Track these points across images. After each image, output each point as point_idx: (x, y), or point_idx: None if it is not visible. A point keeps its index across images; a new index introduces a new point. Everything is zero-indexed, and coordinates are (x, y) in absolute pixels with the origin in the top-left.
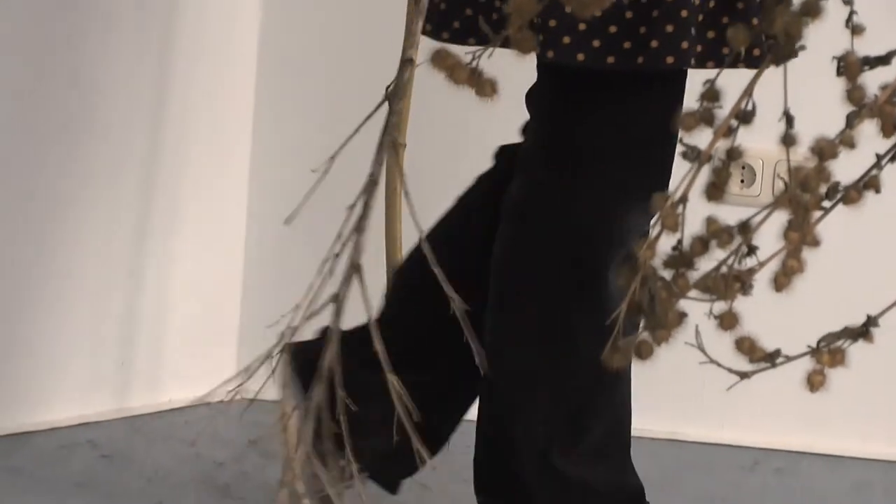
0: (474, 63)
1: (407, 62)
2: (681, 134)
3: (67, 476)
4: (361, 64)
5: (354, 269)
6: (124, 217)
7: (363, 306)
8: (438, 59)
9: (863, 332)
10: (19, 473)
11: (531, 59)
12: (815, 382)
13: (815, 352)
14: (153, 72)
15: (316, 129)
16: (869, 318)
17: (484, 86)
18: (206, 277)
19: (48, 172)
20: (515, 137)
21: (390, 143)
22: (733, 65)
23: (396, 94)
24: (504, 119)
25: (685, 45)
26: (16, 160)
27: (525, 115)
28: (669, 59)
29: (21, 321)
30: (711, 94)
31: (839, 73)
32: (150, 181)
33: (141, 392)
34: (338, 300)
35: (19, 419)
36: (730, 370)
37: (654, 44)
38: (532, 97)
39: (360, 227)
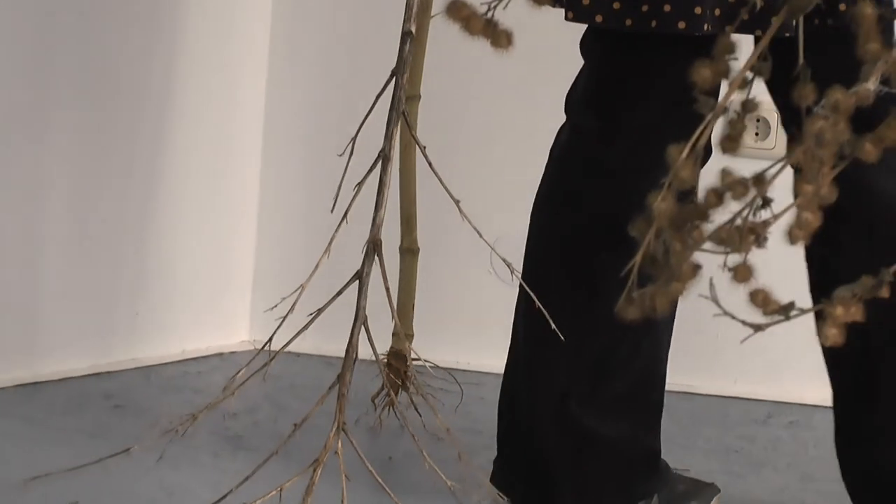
0: (489, 14)
1: (406, 34)
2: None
3: (81, 426)
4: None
5: (375, 246)
6: (137, 166)
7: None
8: (454, 11)
9: (877, 285)
10: (33, 423)
11: (547, 11)
12: (829, 336)
13: (829, 304)
14: (169, 4)
15: (332, 79)
16: (883, 271)
17: (499, 37)
18: (219, 227)
19: (62, 119)
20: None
21: (401, 116)
22: (751, 30)
23: (400, 69)
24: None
25: (698, 10)
26: (27, 104)
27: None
28: (681, 24)
29: (35, 271)
30: (726, 46)
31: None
32: (163, 128)
33: (154, 342)
34: (361, 277)
35: (33, 369)
36: (744, 323)
37: (666, 8)
38: (582, 46)
39: (378, 203)
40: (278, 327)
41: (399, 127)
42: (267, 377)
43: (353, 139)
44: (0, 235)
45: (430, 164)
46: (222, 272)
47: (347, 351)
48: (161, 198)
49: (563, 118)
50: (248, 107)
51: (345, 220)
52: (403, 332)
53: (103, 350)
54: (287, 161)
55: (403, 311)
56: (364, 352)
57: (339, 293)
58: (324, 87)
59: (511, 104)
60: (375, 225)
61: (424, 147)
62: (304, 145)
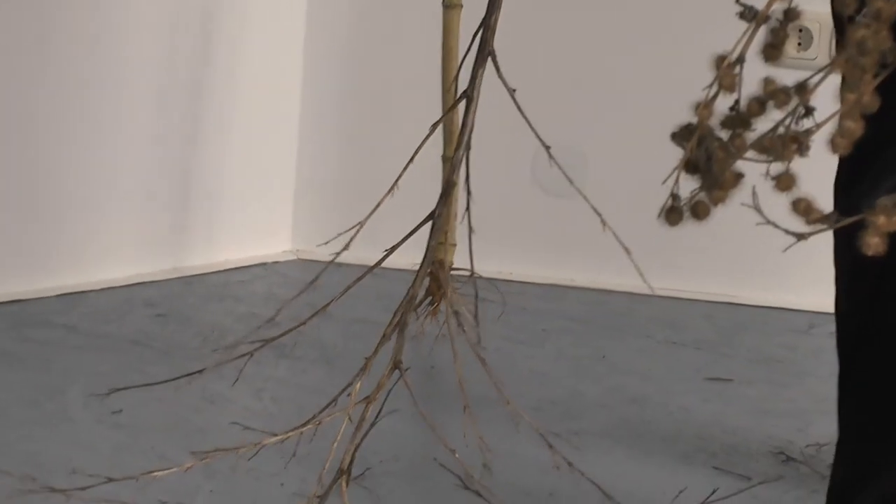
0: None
1: None
2: None
3: (124, 334)
4: None
5: (450, 187)
6: (181, 76)
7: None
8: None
9: None
10: (76, 331)
11: None
12: (870, 245)
13: (871, 212)
14: None
15: None
16: None
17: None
18: (261, 138)
19: (101, 29)
20: None
21: (488, 58)
22: None
23: (492, 9)
24: None
25: None
26: (70, 20)
27: None
28: None
29: (78, 180)
30: None
31: None
32: (206, 40)
33: (197, 251)
34: (434, 218)
35: (76, 278)
36: (786, 231)
37: None
38: None
39: (459, 143)
40: (351, 238)
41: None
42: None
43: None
44: (49, 144)
45: (518, 108)
46: (264, 182)
47: (405, 309)
48: (204, 110)
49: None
50: (291, 18)
51: (412, 162)
52: (447, 241)
53: (146, 259)
54: (329, 73)
55: (446, 220)
56: (406, 261)
57: (412, 233)
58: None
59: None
60: (451, 165)
61: (514, 90)
62: (347, 56)
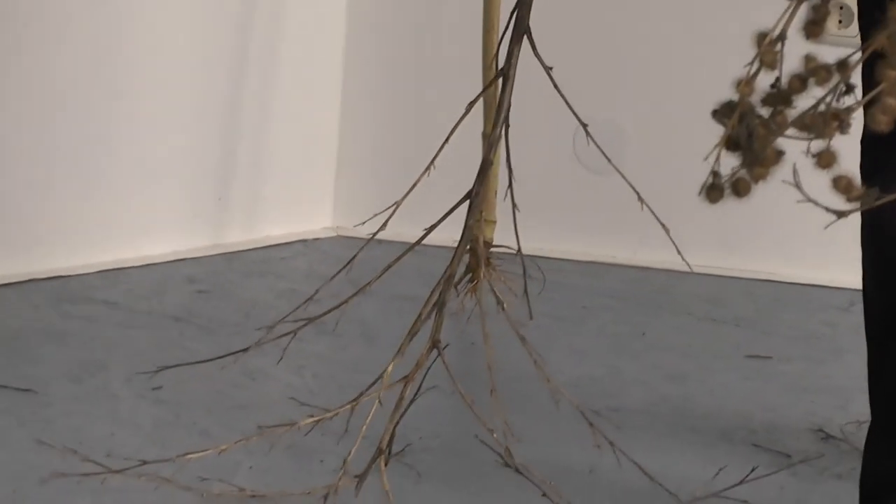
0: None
1: None
2: None
3: (164, 310)
4: None
5: (486, 165)
6: (223, 52)
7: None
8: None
9: None
10: (117, 308)
11: None
12: (878, 121)
13: (884, 92)
14: None
15: None
16: None
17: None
18: (303, 114)
19: (143, 5)
20: None
21: (523, 36)
22: None
23: None
24: None
25: None
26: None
27: None
28: None
29: (118, 157)
30: None
31: None
32: (247, 14)
33: (238, 227)
34: (471, 197)
35: (117, 254)
36: (827, 209)
37: None
38: None
39: (497, 121)
40: (388, 219)
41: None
42: (350, 263)
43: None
44: (84, 122)
45: (555, 85)
46: (306, 158)
47: (443, 288)
48: (246, 84)
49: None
50: None
51: (448, 141)
52: (486, 218)
53: (186, 235)
54: (371, 49)
55: (486, 197)
56: (446, 237)
57: (449, 213)
58: None
59: None
60: (488, 144)
61: (551, 68)
62: (389, 33)
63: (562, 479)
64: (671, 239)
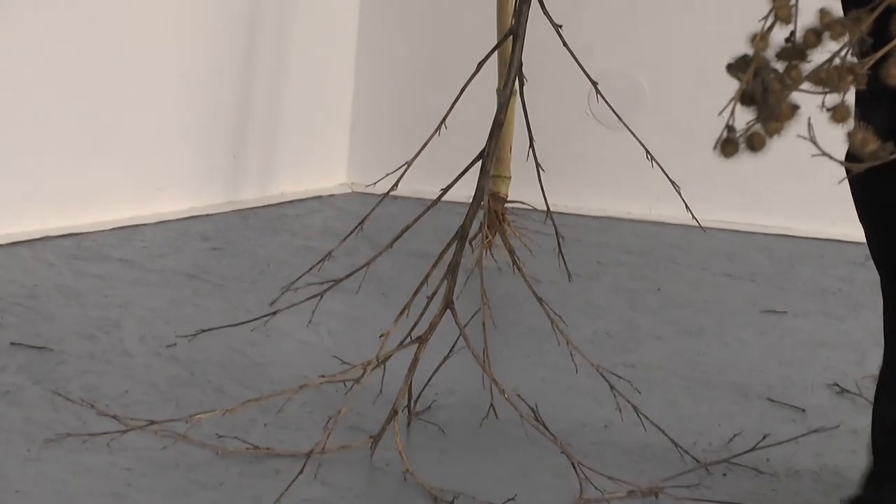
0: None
1: None
2: None
3: (179, 268)
4: None
5: (497, 126)
6: (239, 9)
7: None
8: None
9: None
10: (132, 265)
11: None
12: (892, 75)
13: None
14: None
15: None
16: None
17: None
18: (318, 70)
19: None
20: None
21: None
22: None
23: None
24: None
25: None
26: None
27: None
28: None
29: (132, 114)
30: None
31: None
32: None
33: (253, 185)
34: (484, 157)
35: (130, 211)
36: (842, 163)
37: None
38: None
39: (506, 82)
40: (400, 177)
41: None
42: (362, 223)
43: None
44: (99, 79)
45: (564, 43)
46: (321, 115)
47: (457, 249)
48: (260, 42)
49: None
50: None
51: (459, 99)
52: (501, 174)
53: (201, 193)
54: (386, 6)
55: (501, 153)
56: (461, 194)
57: (463, 173)
58: None
59: None
60: (499, 104)
61: (561, 26)
62: None
63: (577, 434)
64: (682, 198)
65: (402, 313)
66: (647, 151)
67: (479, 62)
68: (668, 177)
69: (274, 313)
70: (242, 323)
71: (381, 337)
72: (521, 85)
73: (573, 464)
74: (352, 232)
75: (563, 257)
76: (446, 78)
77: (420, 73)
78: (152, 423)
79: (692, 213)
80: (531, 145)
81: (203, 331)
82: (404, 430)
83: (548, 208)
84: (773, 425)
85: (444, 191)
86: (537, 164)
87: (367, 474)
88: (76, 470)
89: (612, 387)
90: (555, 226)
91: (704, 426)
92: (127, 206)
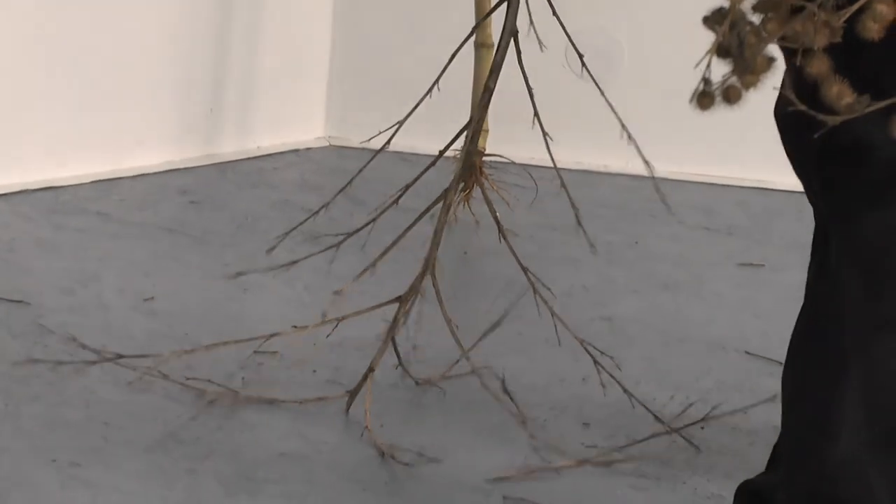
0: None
1: None
2: None
3: (158, 221)
4: None
5: (488, 93)
6: None
7: None
8: None
9: None
10: (110, 219)
11: None
12: (868, 28)
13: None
14: None
15: None
16: None
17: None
18: (295, 24)
19: None
20: None
21: None
22: None
23: None
24: None
25: None
26: None
27: None
28: None
29: (110, 68)
30: None
31: None
32: None
33: (230, 138)
34: (471, 124)
35: (109, 165)
36: (818, 116)
37: None
38: None
39: (504, 48)
40: (392, 136)
41: None
42: (341, 173)
43: None
44: (77, 34)
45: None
46: (298, 68)
47: (440, 218)
48: None
49: None
50: None
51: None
52: (479, 127)
53: (179, 146)
54: None
55: (480, 129)
56: (431, 147)
57: (452, 142)
58: None
59: None
60: (492, 73)
61: None
62: None
63: (556, 388)
64: (640, 154)
65: (365, 270)
66: (616, 115)
67: (474, 26)
68: (635, 146)
69: (291, 264)
70: (258, 268)
71: (334, 293)
72: (520, 53)
73: (529, 436)
74: (340, 192)
75: (583, 228)
76: (424, 33)
77: (397, 26)
78: (119, 356)
79: (646, 161)
80: (535, 114)
81: (242, 272)
82: (407, 390)
83: (555, 166)
84: (750, 378)
85: (442, 152)
86: (544, 133)
87: (344, 428)
88: (53, 425)
89: (596, 362)
90: (564, 185)
91: (682, 380)
92: (105, 159)
